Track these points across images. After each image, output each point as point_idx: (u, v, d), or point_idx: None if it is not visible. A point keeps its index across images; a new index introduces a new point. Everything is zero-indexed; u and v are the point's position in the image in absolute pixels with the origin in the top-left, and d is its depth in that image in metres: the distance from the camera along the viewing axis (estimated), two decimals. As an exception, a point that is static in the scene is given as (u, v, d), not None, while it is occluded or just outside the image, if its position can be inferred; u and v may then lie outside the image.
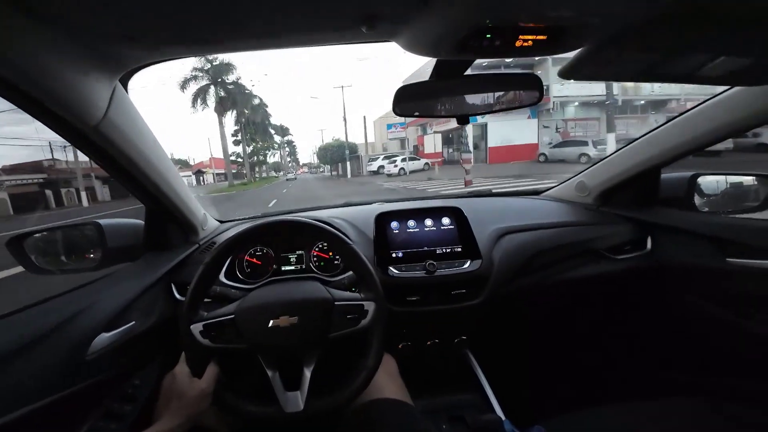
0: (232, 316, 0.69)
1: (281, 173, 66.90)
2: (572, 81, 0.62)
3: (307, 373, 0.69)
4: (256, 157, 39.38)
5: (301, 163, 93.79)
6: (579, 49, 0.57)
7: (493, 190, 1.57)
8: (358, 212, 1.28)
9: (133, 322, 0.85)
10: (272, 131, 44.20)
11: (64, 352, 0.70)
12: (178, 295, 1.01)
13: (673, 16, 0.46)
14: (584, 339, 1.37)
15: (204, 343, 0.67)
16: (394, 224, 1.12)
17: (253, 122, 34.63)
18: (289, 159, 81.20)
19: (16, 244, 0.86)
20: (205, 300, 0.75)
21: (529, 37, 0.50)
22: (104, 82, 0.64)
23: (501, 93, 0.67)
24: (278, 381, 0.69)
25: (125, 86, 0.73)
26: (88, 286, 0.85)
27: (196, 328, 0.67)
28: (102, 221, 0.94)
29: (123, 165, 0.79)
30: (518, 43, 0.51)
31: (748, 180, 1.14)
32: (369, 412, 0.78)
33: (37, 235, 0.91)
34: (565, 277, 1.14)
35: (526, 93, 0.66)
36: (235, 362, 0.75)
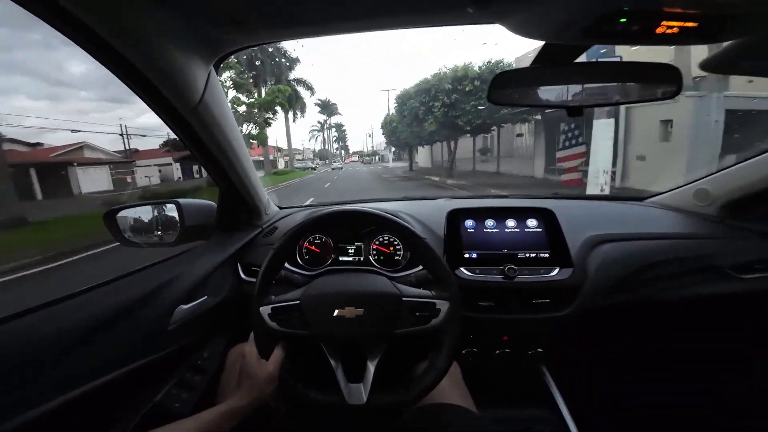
0: (298, 302, 0.71)
1: (322, 163, 55.22)
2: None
3: (371, 367, 0.70)
4: (248, 126, 18.31)
5: (351, 151, 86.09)
6: (733, 41, 0.48)
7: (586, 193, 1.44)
8: (424, 207, 1.26)
9: (206, 297, 0.92)
10: (296, 86, 27.17)
11: (152, 320, 0.78)
12: (243, 275, 1.07)
13: None
14: (687, 366, 1.23)
15: (271, 326, 0.70)
16: (468, 222, 1.08)
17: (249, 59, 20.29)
18: (336, 145, 72.20)
19: (110, 217, 0.95)
20: (272, 282, 0.79)
21: (675, 23, 0.44)
22: (202, 66, 0.68)
23: (628, 84, 0.59)
24: (341, 371, 0.70)
25: (217, 71, 0.76)
26: (170, 261, 0.94)
27: (265, 310, 0.71)
28: (181, 200, 1.01)
29: (209, 147, 0.83)
30: (660, 30, 0.46)
31: None
32: (433, 416, 0.76)
33: (127, 209, 0.99)
34: (674, 295, 1.03)
35: (661, 86, 0.58)
36: (300, 348, 0.78)
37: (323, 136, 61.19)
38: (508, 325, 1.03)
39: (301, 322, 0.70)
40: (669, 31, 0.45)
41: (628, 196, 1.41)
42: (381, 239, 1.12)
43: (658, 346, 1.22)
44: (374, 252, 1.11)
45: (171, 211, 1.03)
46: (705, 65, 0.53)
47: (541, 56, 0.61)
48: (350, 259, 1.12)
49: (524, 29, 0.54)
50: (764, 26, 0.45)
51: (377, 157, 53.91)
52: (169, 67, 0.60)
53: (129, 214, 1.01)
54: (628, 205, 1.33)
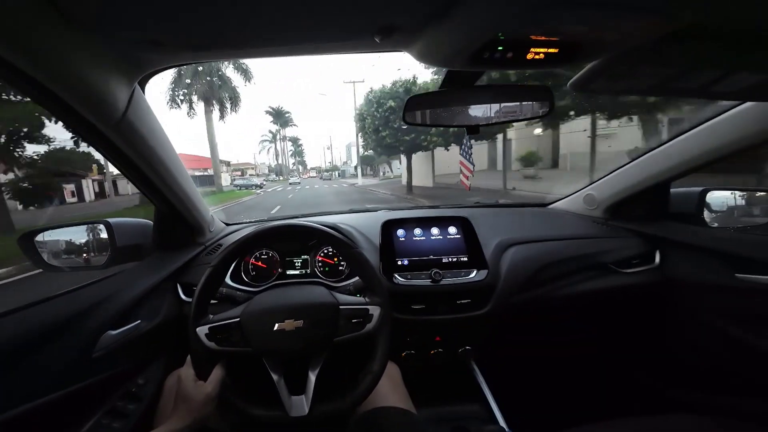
0: (238, 319, 0.70)
1: (277, 179, 48.71)
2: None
3: (312, 378, 0.70)
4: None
5: (308, 167, 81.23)
6: (592, 63, 0.58)
7: (500, 201, 1.57)
8: (364, 219, 1.30)
9: (139, 321, 0.87)
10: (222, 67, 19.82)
11: (72, 349, 0.71)
12: (183, 296, 1.03)
13: (689, 33, 0.47)
14: (590, 352, 1.36)
15: (209, 346, 0.68)
16: (400, 232, 1.13)
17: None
18: (293, 160, 66.71)
19: (26, 240, 0.88)
20: (212, 302, 0.76)
21: (541, 50, 0.52)
22: (124, 84, 0.66)
23: (511, 104, 0.69)
24: (283, 385, 0.69)
25: (143, 88, 0.75)
26: (96, 284, 0.87)
27: (202, 330, 0.68)
28: (111, 220, 0.96)
29: (137, 165, 0.81)
30: (530, 56, 0.53)
31: (759, 195, 1.14)
32: (373, 420, 0.78)
33: (47, 232, 0.93)
34: (572, 290, 1.14)
35: (537, 104, 0.68)
36: (241, 365, 0.76)
37: (276, 148, 53.43)
38: (438, 326, 1.08)
39: (242, 340, 0.68)
40: (536, 56, 0.52)
41: (534, 202, 1.54)
42: (326, 251, 1.13)
43: (567, 337, 1.32)
44: (320, 264, 1.12)
45: (101, 231, 0.98)
46: (572, 85, 0.63)
47: (447, 81, 0.67)
48: (297, 272, 1.12)
49: (424, 57, 0.60)
50: (610, 51, 0.55)
51: (337, 173, 46.39)
52: (84, 85, 0.58)
53: (50, 236, 0.93)
54: (533, 210, 1.46)
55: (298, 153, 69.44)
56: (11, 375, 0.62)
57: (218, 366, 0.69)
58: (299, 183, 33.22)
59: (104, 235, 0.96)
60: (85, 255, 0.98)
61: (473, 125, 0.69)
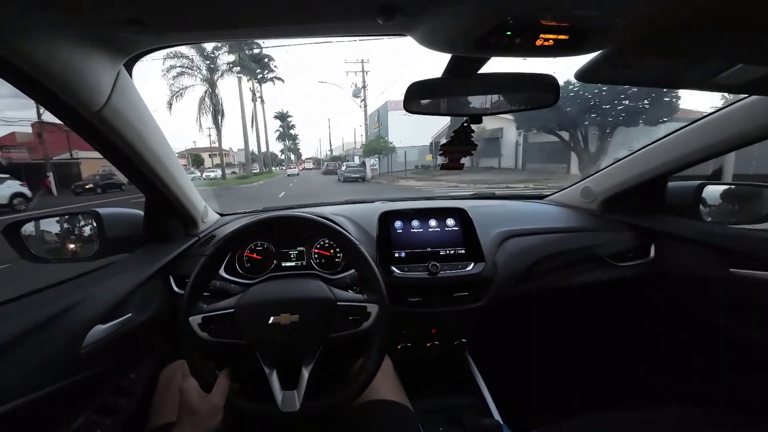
0: (232, 310, 0.68)
1: (236, 174, 29.11)
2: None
3: (305, 373, 0.68)
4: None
5: (303, 157, 69.08)
6: (597, 52, 0.56)
7: (497, 193, 1.56)
8: (361, 210, 1.27)
9: (130, 315, 0.84)
10: None
11: (59, 344, 0.68)
12: (176, 288, 0.99)
13: (698, 22, 0.46)
14: (584, 345, 1.37)
15: (202, 337, 0.66)
16: (397, 224, 1.11)
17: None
18: (281, 145, 50.35)
19: (12, 230, 0.85)
20: (205, 294, 0.74)
21: (551, 36, 0.49)
22: (108, 67, 0.62)
23: (516, 93, 0.66)
24: (275, 379, 0.68)
25: (129, 71, 0.71)
26: (85, 277, 0.84)
27: (195, 320, 0.66)
28: (101, 210, 0.92)
29: (125, 153, 0.77)
30: (539, 42, 0.50)
31: (755, 191, 1.14)
32: (366, 413, 0.77)
33: (34, 221, 0.89)
34: (567, 282, 1.13)
35: (542, 94, 0.65)
36: (233, 358, 0.74)
37: (216, 103, 22.03)
38: (434, 318, 1.07)
39: (235, 331, 0.67)
40: (546, 43, 0.49)
41: (532, 194, 1.54)
42: (322, 243, 1.11)
43: (562, 329, 1.32)
44: (316, 256, 1.09)
45: (88, 221, 0.94)
46: (578, 74, 0.61)
47: (449, 68, 0.64)
48: (293, 264, 1.09)
49: (427, 41, 0.57)
50: (619, 39, 0.53)
51: (371, 162, 23.09)
52: (63, 68, 0.54)
53: (37, 226, 0.90)
54: (531, 203, 1.44)
55: (289, 136, 47.32)
56: None
57: (223, 374, 0.67)
58: (297, 174, 27.67)
59: (93, 225, 0.92)
60: (73, 246, 0.95)
61: (475, 114, 0.66)
